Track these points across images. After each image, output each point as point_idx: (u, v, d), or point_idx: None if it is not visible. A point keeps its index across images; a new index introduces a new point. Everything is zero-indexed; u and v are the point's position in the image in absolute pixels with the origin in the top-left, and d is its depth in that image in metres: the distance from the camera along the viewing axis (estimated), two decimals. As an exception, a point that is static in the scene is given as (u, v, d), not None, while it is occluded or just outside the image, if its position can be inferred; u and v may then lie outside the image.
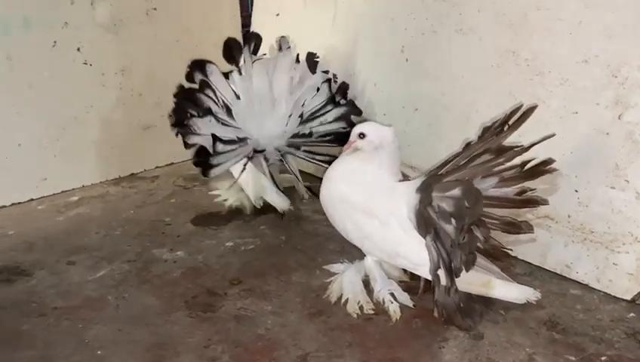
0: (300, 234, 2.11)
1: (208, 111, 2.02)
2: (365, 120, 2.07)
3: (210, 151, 1.99)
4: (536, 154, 1.51)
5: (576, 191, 1.75)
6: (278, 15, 2.77)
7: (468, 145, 1.55)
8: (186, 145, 2.05)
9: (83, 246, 2.04)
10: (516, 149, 1.49)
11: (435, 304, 1.55)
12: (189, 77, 2.09)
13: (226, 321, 1.61)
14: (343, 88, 2.20)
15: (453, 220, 1.48)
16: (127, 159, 2.67)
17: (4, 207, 2.36)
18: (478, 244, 1.49)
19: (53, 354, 1.50)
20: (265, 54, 2.22)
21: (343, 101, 2.19)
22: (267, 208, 2.27)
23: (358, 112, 2.18)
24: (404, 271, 1.73)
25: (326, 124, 2.17)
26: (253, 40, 2.19)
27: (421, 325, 1.58)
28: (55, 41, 2.40)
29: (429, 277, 1.57)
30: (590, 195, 1.72)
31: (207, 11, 2.87)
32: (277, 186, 2.17)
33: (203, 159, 2.00)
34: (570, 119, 1.75)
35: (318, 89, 2.17)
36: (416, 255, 1.57)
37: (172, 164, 2.80)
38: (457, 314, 1.53)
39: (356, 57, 2.40)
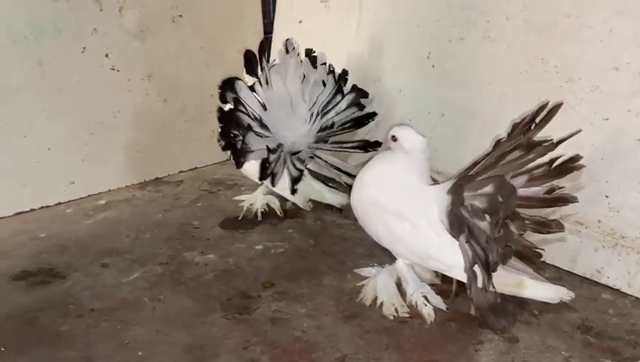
0: (328, 238, 2.13)
1: (249, 128, 2.07)
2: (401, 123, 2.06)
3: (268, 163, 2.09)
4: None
5: (606, 196, 1.76)
6: (300, 22, 2.81)
7: (498, 142, 1.57)
8: (239, 165, 2.14)
9: (114, 249, 2.06)
10: (546, 144, 1.49)
11: (470, 301, 1.56)
12: (222, 97, 2.14)
13: (262, 323, 1.63)
14: (344, 76, 2.24)
15: (487, 216, 1.50)
16: (152, 163, 2.70)
17: (33, 210, 2.39)
18: (511, 245, 1.50)
19: (94, 354, 1.52)
20: (274, 60, 2.26)
21: (347, 88, 2.24)
22: (294, 212, 2.31)
23: (365, 95, 2.23)
24: (436, 273, 1.75)
25: (341, 113, 2.22)
26: (265, 48, 2.25)
27: (455, 328, 1.60)
28: (84, 47, 2.44)
29: (463, 279, 1.59)
30: (621, 201, 1.74)
31: (230, 19, 2.92)
32: (328, 185, 2.23)
33: (268, 172, 2.11)
34: (601, 125, 1.77)
35: (324, 82, 2.21)
36: (449, 257, 1.59)
37: (195, 168, 2.83)
38: (491, 314, 1.55)
39: (381, 63, 2.43)
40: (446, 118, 2.19)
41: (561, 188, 1.51)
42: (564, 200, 1.51)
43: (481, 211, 1.51)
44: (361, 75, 2.49)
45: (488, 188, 1.51)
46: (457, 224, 1.55)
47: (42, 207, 2.41)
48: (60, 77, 2.39)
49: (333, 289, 1.79)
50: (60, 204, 2.45)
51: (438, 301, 1.66)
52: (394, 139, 1.65)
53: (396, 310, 1.65)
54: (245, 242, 2.10)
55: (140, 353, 1.52)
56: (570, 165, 1.49)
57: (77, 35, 2.41)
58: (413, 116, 2.28)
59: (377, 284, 1.72)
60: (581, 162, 1.49)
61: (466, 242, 1.54)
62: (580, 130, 1.54)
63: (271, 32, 2.98)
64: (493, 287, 1.53)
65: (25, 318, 1.67)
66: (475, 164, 1.59)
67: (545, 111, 1.51)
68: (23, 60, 2.30)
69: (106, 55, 2.51)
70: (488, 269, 1.51)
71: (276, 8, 2.96)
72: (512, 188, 1.48)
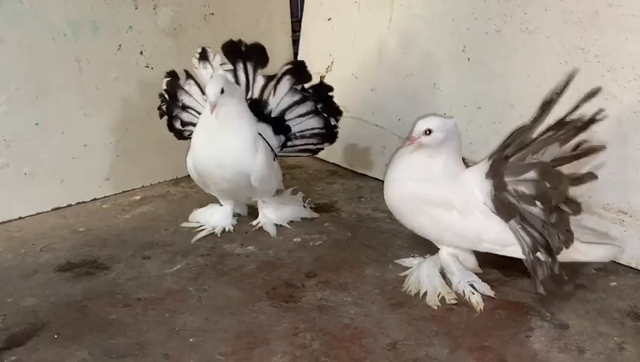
0: (365, 231, 2.13)
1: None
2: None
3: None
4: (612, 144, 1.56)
5: (651, 184, 1.76)
6: (329, 19, 2.83)
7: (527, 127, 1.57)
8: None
9: (155, 241, 2.08)
10: (578, 124, 1.48)
11: (540, 284, 1.55)
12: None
13: (310, 311, 1.64)
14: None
15: (538, 202, 1.50)
16: (184, 160, 2.72)
17: (69, 205, 2.42)
18: (572, 229, 1.50)
19: (146, 341, 1.54)
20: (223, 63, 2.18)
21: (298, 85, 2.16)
22: (328, 207, 2.32)
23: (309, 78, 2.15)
24: (479, 264, 1.75)
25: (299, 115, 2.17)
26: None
27: (504, 316, 1.60)
28: (120, 45, 2.47)
29: (517, 256, 1.59)
30: (666, 189, 1.73)
31: (259, 17, 2.94)
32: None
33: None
34: (644, 114, 1.77)
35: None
36: (502, 236, 1.60)
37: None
38: (559, 285, 1.54)
39: (414, 58, 2.44)
40: (482, 111, 2.19)
41: (585, 141, 1.51)
42: (592, 150, 1.50)
43: (529, 197, 1.51)
44: (393, 70, 2.51)
45: (531, 174, 1.51)
46: (506, 209, 1.56)
47: (79, 203, 2.44)
48: (96, 74, 2.43)
49: (377, 279, 1.80)
50: (95, 199, 2.48)
51: (486, 288, 1.66)
52: (428, 132, 1.62)
53: (442, 299, 1.65)
54: (283, 235, 2.11)
55: (191, 339, 1.53)
56: (594, 119, 1.49)
57: (113, 32, 2.45)
58: (448, 110, 2.28)
59: (420, 275, 1.72)
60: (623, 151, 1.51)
61: (519, 226, 1.54)
62: (600, 88, 1.51)
63: (299, 30, 3.01)
64: (560, 268, 1.52)
65: (74, 307, 1.69)
66: (507, 144, 1.60)
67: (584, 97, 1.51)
68: (62, 58, 2.34)
69: (141, 52, 2.54)
70: (552, 254, 1.51)
71: (304, 6, 2.98)
72: (560, 174, 1.48)
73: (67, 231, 2.19)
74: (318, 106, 2.16)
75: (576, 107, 1.52)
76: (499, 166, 1.57)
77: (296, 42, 3.03)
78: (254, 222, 2.15)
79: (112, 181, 2.53)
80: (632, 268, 1.80)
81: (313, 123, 2.18)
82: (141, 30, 2.52)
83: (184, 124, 2.16)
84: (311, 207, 2.26)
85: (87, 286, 1.80)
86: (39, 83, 2.29)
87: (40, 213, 2.35)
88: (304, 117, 2.17)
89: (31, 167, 2.32)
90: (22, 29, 2.22)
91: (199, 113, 2.10)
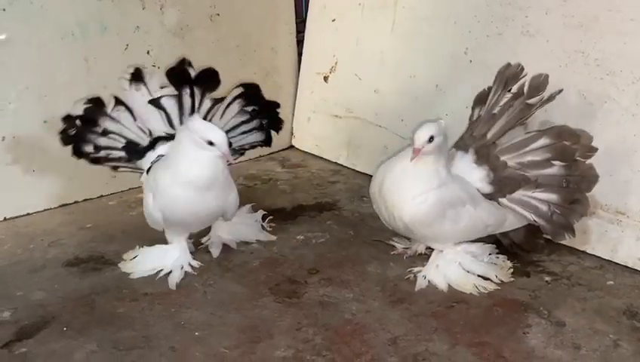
0: (367, 229, 2.17)
1: None
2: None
3: None
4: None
5: (648, 186, 1.79)
6: (334, 20, 2.87)
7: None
8: None
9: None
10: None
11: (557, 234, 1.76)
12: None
13: (312, 306, 1.68)
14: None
15: (557, 162, 1.69)
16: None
17: (76, 202, 2.46)
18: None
19: (153, 334, 1.58)
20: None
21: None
22: (330, 205, 2.35)
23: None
24: None
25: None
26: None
27: (502, 313, 1.64)
28: (127, 45, 2.51)
29: (517, 226, 1.78)
30: (662, 190, 1.77)
31: (264, 17, 2.97)
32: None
33: None
34: (642, 116, 1.80)
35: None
36: (500, 214, 1.76)
37: (229, 164, 2.87)
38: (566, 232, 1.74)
39: (417, 60, 2.48)
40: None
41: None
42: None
43: (543, 162, 1.68)
44: (396, 72, 2.55)
45: (544, 141, 1.69)
46: (512, 184, 1.71)
47: (85, 200, 2.48)
48: (104, 73, 2.46)
49: (378, 276, 1.84)
50: (102, 196, 2.52)
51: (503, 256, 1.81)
52: (431, 140, 1.64)
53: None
54: (286, 232, 2.15)
55: (196, 333, 1.58)
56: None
57: (121, 32, 2.48)
58: (450, 111, 2.32)
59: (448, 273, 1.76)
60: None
61: (528, 195, 1.72)
62: (562, 90, 1.77)
63: (303, 31, 3.05)
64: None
65: (82, 301, 1.73)
66: (474, 125, 1.82)
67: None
68: (70, 57, 2.37)
69: (147, 52, 2.57)
70: (584, 198, 1.71)
71: (309, 7, 3.01)
72: (575, 131, 1.69)
73: (74, 227, 2.23)
74: (264, 123, 2.12)
75: (540, 106, 1.74)
76: (488, 150, 1.72)
77: (300, 43, 3.06)
78: (203, 240, 2.01)
79: (118, 178, 2.56)
80: (628, 267, 1.83)
81: (255, 138, 2.13)
82: (148, 30, 2.55)
83: (99, 148, 1.97)
84: (269, 227, 2.11)
85: (94, 280, 1.84)
86: (48, 81, 2.33)
87: (47, 209, 2.38)
88: (247, 133, 2.11)
89: (39, 164, 2.36)
90: (31, 29, 2.26)
91: (125, 138, 1.95)
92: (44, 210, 2.37)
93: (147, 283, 1.82)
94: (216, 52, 2.78)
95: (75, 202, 2.46)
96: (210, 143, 1.72)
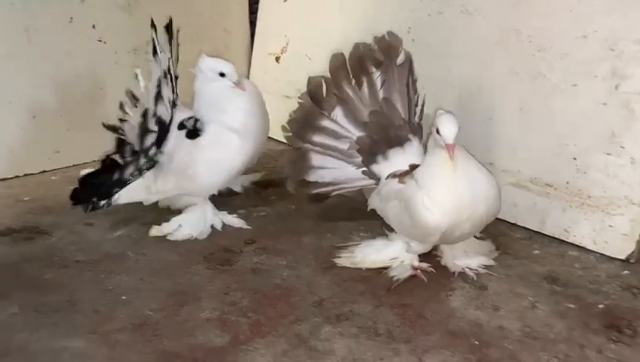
0: (308, 204, 2.17)
1: None
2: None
3: None
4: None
5: (574, 158, 1.85)
6: (285, 1, 2.87)
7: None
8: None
9: (100, 211, 2.09)
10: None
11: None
12: None
13: (244, 273, 1.69)
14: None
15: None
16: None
17: (17, 176, 2.41)
18: None
19: (78, 298, 1.57)
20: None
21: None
22: (277, 183, 2.36)
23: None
24: None
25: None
26: None
27: (429, 278, 1.67)
28: (72, 17, 2.46)
29: None
30: (588, 162, 1.83)
31: (217, -3, 2.96)
32: None
33: None
34: (570, 92, 1.86)
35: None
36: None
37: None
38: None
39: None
40: (424, 90, 2.25)
41: None
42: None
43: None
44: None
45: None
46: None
47: (27, 175, 2.43)
48: (46, 45, 2.41)
49: (313, 246, 1.86)
50: (44, 171, 2.47)
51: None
52: (438, 132, 1.55)
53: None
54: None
55: (123, 297, 1.57)
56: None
57: (64, 3, 2.43)
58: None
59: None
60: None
61: None
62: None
63: (256, 12, 3.04)
64: None
65: (9, 268, 1.71)
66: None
67: None
68: (10, 27, 2.32)
69: (93, 26, 2.53)
70: None
71: (261, -13, 3.01)
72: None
73: (11, 200, 2.19)
74: None
75: (421, 110, 1.87)
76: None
77: (253, 23, 3.06)
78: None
79: (62, 154, 2.52)
80: (555, 238, 1.89)
81: None
82: (94, 3, 2.51)
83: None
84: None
85: (25, 249, 1.82)
86: (-15, 52, 2.28)
87: (-15, 182, 2.34)
88: None
89: (-23, 138, 2.31)
90: (-34, -4, 2.21)
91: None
92: (-18, 183, 2.33)
93: (80, 252, 1.80)
94: (165, 29, 2.76)
95: (16, 177, 2.41)
96: (222, 75, 1.81)
